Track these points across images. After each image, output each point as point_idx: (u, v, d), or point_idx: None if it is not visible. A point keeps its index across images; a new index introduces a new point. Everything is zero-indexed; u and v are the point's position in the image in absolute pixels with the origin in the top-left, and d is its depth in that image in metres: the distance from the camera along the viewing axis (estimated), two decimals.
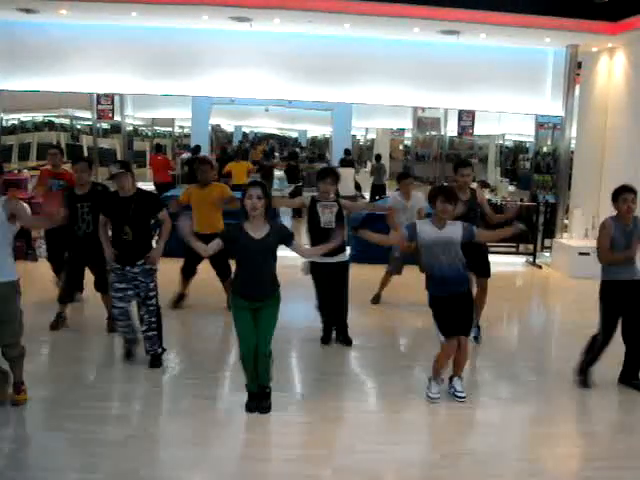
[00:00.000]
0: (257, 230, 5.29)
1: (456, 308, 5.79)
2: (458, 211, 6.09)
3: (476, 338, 7.43)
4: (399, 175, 8.97)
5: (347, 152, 17.07)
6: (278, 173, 18.30)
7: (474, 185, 15.54)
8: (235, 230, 5.35)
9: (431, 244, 5.75)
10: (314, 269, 7.16)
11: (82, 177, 7.22)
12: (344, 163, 16.17)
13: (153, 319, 6.39)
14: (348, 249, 7.43)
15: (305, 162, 21.15)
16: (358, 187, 16.98)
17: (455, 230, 5.80)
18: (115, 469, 4.62)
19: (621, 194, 6.19)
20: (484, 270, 7.41)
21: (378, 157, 18.71)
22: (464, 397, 5.92)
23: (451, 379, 6.05)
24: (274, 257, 5.44)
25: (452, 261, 5.75)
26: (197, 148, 16.80)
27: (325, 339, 7.38)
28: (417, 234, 5.80)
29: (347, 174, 15.39)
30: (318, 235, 6.90)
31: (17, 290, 5.29)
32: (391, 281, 8.97)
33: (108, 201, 6.39)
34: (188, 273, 8.37)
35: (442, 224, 5.81)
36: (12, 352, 5.36)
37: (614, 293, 6.13)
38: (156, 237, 6.66)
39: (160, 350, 6.48)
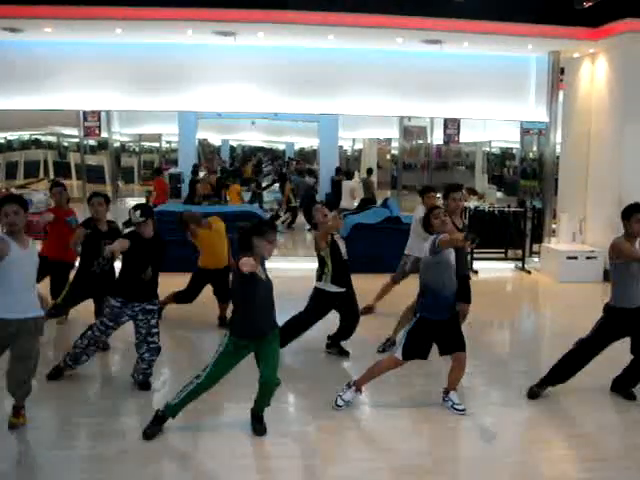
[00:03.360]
0: (259, 269, 5.14)
1: (447, 330, 5.74)
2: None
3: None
4: (422, 189, 8.58)
5: (338, 170, 17.10)
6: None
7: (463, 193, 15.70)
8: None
9: (450, 265, 5.70)
10: (326, 298, 6.99)
11: (100, 211, 7.08)
12: (347, 176, 16.25)
13: (154, 358, 6.29)
14: None
15: (294, 175, 21.21)
16: (371, 199, 16.83)
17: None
18: None
19: (636, 214, 5.85)
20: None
21: (369, 171, 18.73)
22: (464, 409, 5.85)
23: (447, 392, 5.97)
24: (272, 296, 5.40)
25: (453, 285, 5.74)
26: (195, 167, 16.87)
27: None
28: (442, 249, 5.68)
29: (347, 187, 15.49)
30: (342, 268, 6.93)
31: (41, 327, 5.28)
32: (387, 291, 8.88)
33: (135, 242, 6.10)
34: (184, 300, 8.36)
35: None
36: (20, 390, 5.29)
37: (622, 320, 5.95)
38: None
39: (150, 376, 6.38)
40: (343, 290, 6.96)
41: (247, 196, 17.29)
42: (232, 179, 16.65)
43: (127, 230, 6.77)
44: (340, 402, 5.85)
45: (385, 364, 5.90)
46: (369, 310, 8.53)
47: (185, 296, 8.33)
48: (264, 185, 19.52)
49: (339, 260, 6.91)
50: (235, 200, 15.17)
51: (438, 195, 8.71)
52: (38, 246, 6.89)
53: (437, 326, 5.72)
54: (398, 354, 5.76)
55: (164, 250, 6.29)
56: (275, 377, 5.40)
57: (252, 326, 5.20)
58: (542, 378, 6.23)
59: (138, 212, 6.03)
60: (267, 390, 5.37)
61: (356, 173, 19.92)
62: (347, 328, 7.26)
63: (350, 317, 7.20)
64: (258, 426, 5.44)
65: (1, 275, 5.00)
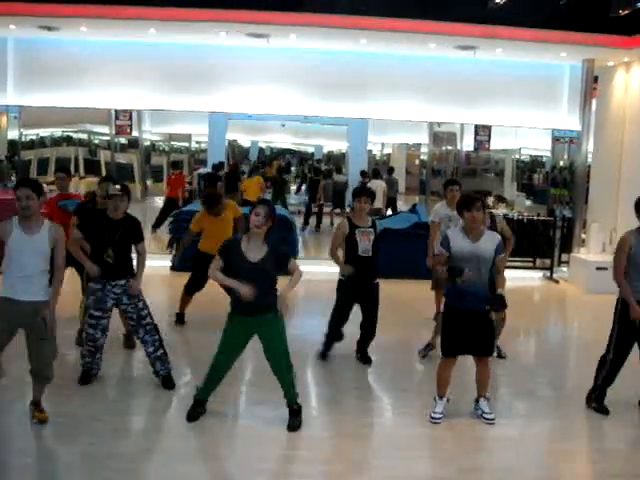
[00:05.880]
0: (254, 251, 5.27)
1: (472, 326, 5.62)
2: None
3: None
4: (446, 182, 8.47)
5: (363, 174, 17.02)
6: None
7: (490, 202, 15.57)
8: (232, 248, 5.35)
9: (464, 259, 5.53)
10: (346, 286, 7.03)
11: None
12: (375, 174, 16.20)
13: (156, 336, 6.29)
14: None
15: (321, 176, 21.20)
16: (392, 200, 16.79)
17: (490, 245, 5.59)
18: None
19: None
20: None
21: (391, 170, 18.68)
22: (493, 419, 5.77)
23: (477, 401, 5.92)
24: (273, 278, 5.41)
25: (479, 278, 5.56)
26: (220, 165, 16.88)
27: (324, 355, 7.27)
28: (450, 246, 5.59)
29: (375, 186, 15.37)
30: (356, 263, 6.90)
31: (42, 313, 5.26)
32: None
33: (96, 220, 6.22)
34: (192, 289, 8.31)
35: (476, 236, 5.59)
36: (45, 372, 5.36)
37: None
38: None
39: (170, 368, 6.39)
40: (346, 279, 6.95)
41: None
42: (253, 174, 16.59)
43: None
44: (434, 415, 5.78)
45: (438, 367, 5.90)
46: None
47: (193, 284, 8.27)
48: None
49: (352, 255, 6.90)
50: (253, 193, 15.05)
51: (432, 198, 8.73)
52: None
53: (457, 315, 5.62)
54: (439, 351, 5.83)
55: (135, 230, 6.25)
56: (281, 362, 5.50)
57: (237, 303, 5.34)
58: (591, 394, 6.15)
59: (118, 186, 6.17)
60: (280, 378, 5.49)
61: (384, 176, 19.82)
62: (367, 330, 7.23)
63: (368, 317, 7.17)
64: (292, 421, 5.50)
65: (6, 257, 5.11)
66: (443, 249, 5.65)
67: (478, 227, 5.60)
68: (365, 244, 6.88)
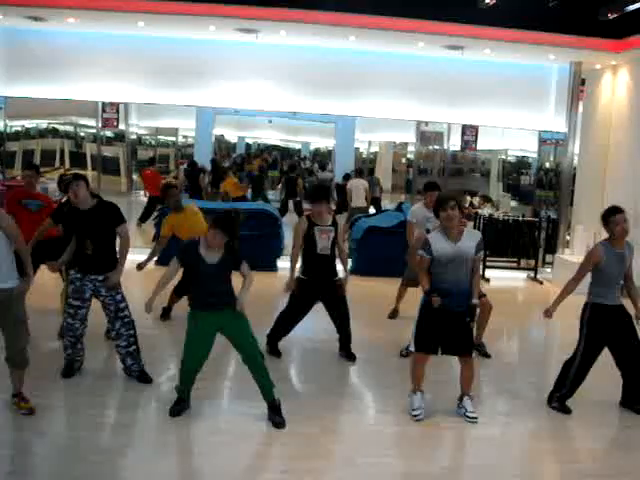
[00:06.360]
0: (211, 254, 5.34)
1: (450, 325, 5.64)
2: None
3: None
4: (426, 185, 8.36)
5: (346, 176, 16.97)
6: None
7: (475, 201, 15.64)
8: (191, 252, 5.39)
9: (446, 261, 5.55)
10: (303, 285, 6.98)
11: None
12: (356, 174, 16.15)
13: (132, 332, 6.22)
14: (341, 267, 7.28)
15: (305, 174, 21.16)
16: (375, 200, 16.58)
17: (470, 245, 5.60)
18: (111, 478, 4.64)
19: (612, 216, 5.94)
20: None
21: (368, 170, 18.66)
22: (476, 418, 5.79)
23: (461, 399, 5.92)
24: (227, 277, 5.48)
25: (461, 278, 5.60)
26: (193, 163, 16.78)
27: (275, 351, 7.18)
28: (432, 250, 5.57)
29: (358, 185, 15.39)
30: (314, 261, 6.92)
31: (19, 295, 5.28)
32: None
33: (69, 216, 6.17)
34: (182, 292, 8.11)
35: (456, 237, 5.58)
36: (21, 356, 5.33)
37: (600, 318, 5.97)
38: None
39: (142, 365, 6.33)
40: (308, 279, 6.94)
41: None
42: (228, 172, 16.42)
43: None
44: (414, 412, 5.78)
45: (413, 363, 5.92)
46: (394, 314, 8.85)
47: (184, 286, 8.08)
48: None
49: (311, 252, 6.89)
50: (234, 192, 14.99)
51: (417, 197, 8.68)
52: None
53: (435, 312, 5.60)
54: (411, 346, 5.80)
55: (111, 214, 6.08)
56: (256, 350, 5.57)
57: (198, 301, 5.49)
58: (553, 397, 6.22)
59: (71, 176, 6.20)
60: (255, 366, 5.50)
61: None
62: (340, 330, 7.21)
63: (335, 314, 7.14)
64: (277, 418, 5.50)
65: None
66: (425, 253, 5.64)
67: (454, 226, 5.58)
68: (324, 242, 6.88)
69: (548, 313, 6.07)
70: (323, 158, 24.80)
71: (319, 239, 6.86)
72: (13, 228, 5.22)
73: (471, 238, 5.67)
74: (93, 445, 5.06)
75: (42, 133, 17.46)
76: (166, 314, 8.33)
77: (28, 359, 5.40)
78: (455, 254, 5.55)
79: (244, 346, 5.52)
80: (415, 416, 5.76)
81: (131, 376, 6.30)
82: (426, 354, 5.80)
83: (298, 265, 7.08)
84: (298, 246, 6.96)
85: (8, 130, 15.12)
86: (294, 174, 17.23)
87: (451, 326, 5.65)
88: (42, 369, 6.10)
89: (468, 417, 5.80)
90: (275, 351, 7.17)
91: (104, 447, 5.07)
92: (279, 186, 19.51)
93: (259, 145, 26.91)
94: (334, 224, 6.98)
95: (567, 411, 6.11)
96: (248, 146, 26.52)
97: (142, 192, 16.80)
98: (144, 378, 6.26)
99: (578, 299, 6.09)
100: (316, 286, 6.95)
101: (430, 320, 5.68)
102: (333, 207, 16.28)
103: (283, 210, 16.49)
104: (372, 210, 15.41)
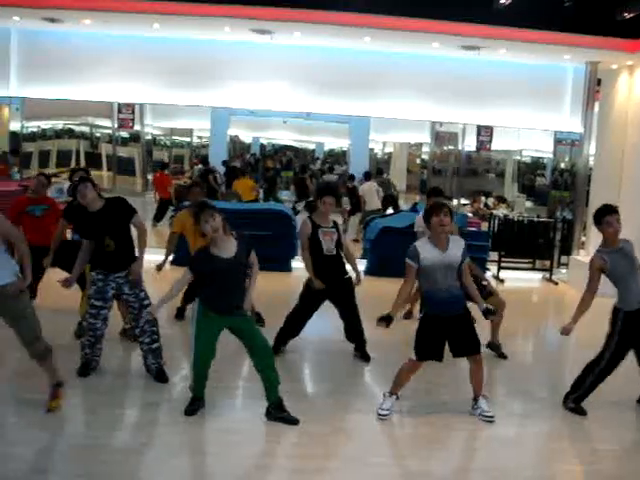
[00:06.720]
0: (224, 249, 5.31)
1: (453, 329, 5.65)
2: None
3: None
4: (430, 191, 8.40)
5: (351, 177, 16.90)
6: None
7: (490, 202, 15.59)
8: (204, 258, 5.35)
9: (435, 268, 5.54)
10: (313, 286, 6.99)
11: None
12: (366, 177, 16.13)
13: (155, 329, 6.29)
14: (352, 268, 7.30)
15: (318, 175, 21.20)
16: (391, 199, 16.46)
17: (457, 252, 5.60)
18: (128, 477, 4.67)
19: (605, 216, 5.95)
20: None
21: (379, 171, 18.59)
22: (492, 417, 5.77)
23: (475, 399, 5.89)
24: (242, 279, 5.47)
25: (452, 284, 5.61)
26: (205, 161, 16.75)
27: (278, 349, 7.06)
28: (420, 258, 5.55)
29: (369, 188, 15.40)
30: (322, 262, 6.95)
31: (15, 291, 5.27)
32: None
33: (80, 217, 6.26)
34: (190, 299, 7.88)
35: (443, 244, 5.58)
36: (32, 350, 5.37)
37: (632, 325, 5.88)
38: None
39: (163, 363, 6.39)
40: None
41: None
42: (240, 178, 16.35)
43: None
44: (382, 412, 5.78)
45: (405, 367, 5.85)
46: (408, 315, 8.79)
47: (192, 293, 8.15)
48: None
49: (318, 254, 6.92)
50: (247, 195, 14.99)
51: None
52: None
53: (436, 321, 5.63)
54: (412, 355, 5.74)
55: (122, 208, 6.17)
56: (267, 348, 5.57)
57: (211, 301, 5.42)
58: (571, 397, 6.16)
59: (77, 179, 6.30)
60: (267, 372, 5.48)
61: (385, 176, 19.78)
62: (351, 329, 7.23)
63: (345, 313, 7.17)
64: (288, 415, 5.51)
65: None
66: (412, 262, 5.60)
67: (447, 232, 5.57)
68: (328, 243, 6.93)
69: (566, 331, 6.00)
70: (337, 158, 24.81)
71: (323, 240, 6.93)
72: (13, 230, 5.31)
73: (457, 246, 5.67)
74: (110, 444, 5.10)
75: (58, 134, 17.55)
76: (180, 314, 8.36)
77: (43, 352, 5.40)
78: (442, 262, 5.55)
79: (256, 346, 5.52)
80: (383, 415, 5.75)
81: (149, 373, 6.35)
82: (430, 360, 5.76)
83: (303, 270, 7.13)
84: (306, 247, 6.99)
85: (25, 131, 15.22)
86: (305, 175, 17.26)
87: (453, 330, 5.67)
88: (58, 368, 6.14)
89: (485, 417, 5.78)
90: (277, 351, 7.09)
91: (120, 446, 5.11)
92: (292, 187, 19.57)
93: (274, 146, 26.95)
94: (335, 226, 7.06)
95: (583, 412, 6.06)
96: (262, 146, 26.56)
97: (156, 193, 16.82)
98: (161, 377, 6.30)
99: (594, 301, 6.04)
100: (327, 286, 6.97)
101: (430, 329, 5.68)
102: (348, 207, 16.38)
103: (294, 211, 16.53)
104: (390, 211, 15.38)
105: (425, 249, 5.59)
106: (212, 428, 5.47)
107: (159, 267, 7.70)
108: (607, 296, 6.05)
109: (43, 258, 7.19)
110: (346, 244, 7.22)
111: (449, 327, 5.64)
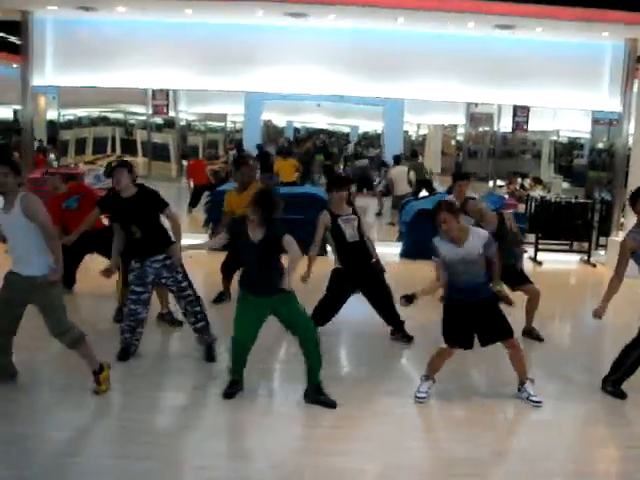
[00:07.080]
0: (255, 231, 5.40)
1: (480, 315, 5.64)
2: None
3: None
4: (455, 175, 8.31)
5: (397, 158, 16.83)
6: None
7: (527, 183, 15.39)
8: (239, 226, 5.51)
9: (453, 263, 5.57)
10: (342, 275, 7.02)
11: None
12: (395, 162, 16.06)
13: (197, 308, 6.39)
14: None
15: (352, 160, 21.13)
16: (427, 183, 16.44)
17: (476, 244, 5.57)
18: (168, 459, 4.74)
19: None
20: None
21: (414, 153, 18.51)
22: (540, 402, 5.73)
23: (521, 383, 5.84)
24: (273, 261, 5.49)
25: (473, 277, 5.61)
26: (240, 146, 16.80)
27: None
28: (439, 253, 5.60)
29: (399, 172, 15.33)
30: (347, 250, 6.97)
31: (42, 287, 5.36)
32: None
33: (113, 203, 6.41)
34: (229, 271, 8.13)
35: (460, 241, 5.55)
36: (63, 339, 5.48)
37: None
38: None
39: (213, 339, 6.50)
40: (345, 269, 6.99)
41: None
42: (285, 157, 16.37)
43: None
44: (419, 395, 5.77)
45: (437, 353, 5.84)
46: None
47: (230, 264, 8.08)
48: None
49: (342, 243, 6.95)
50: (288, 175, 15.04)
51: None
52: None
53: (459, 306, 5.63)
54: (441, 342, 5.74)
55: (153, 200, 6.26)
56: (310, 331, 5.57)
57: (245, 281, 5.58)
58: (610, 379, 6.07)
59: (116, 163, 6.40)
60: (309, 348, 5.50)
61: (420, 158, 19.66)
62: (385, 315, 7.20)
63: (375, 298, 7.16)
64: (326, 398, 5.53)
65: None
66: (436, 257, 5.66)
67: (448, 230, 5.53)
68: (350, 231, 6.94)
69: (598, 314, 5.92)
70: (371, 141, 24.69)
71: (345, 228, 6.93)
72: (49, 223, 5.40)
73: (476, 238, 5.62)
74: (149, 426, 5.19)
75: (94, 121, 17.75)
76: (219, 299, 8.38)
77: (75, 339, 5.49)
78: (460, 257, 5.55)
79: (297, 328, 5.55)
80: (420, 398, 5.74)
81: (202, 346, 6.51)
82: (459, 348, 5.74)
83: (333, 257, 7.18)
84: (319, 239, 6.99)
85: (61, 119, 15.42)
86: (329, 162, 17.30)
87: (479, 316, 5.65)
88: (97, 353, 6.24)
89: (532, 401, 5.74)
90: None
91: (160, 429, 5.21)
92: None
93: (307, 129, 26.92)
94: (354, 213, 7.07)
95: (622, 396, 5.98)
96: (297, 130, 26.55)
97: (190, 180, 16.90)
98: (209, 354, 6.46)
99: (633, 282, 5.96)
100: (354, 274, 6.98)
101: (455, 313, 5.68)
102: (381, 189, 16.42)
103: None
104: (424, 193, 15.32)
105: (441, 244, 5.62)
106: (250, 411, 5.52)
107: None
108: None
109: (85, 244, 7.37)
110: (365, 231, 7.19)
111: (474, 312, 5.63)
